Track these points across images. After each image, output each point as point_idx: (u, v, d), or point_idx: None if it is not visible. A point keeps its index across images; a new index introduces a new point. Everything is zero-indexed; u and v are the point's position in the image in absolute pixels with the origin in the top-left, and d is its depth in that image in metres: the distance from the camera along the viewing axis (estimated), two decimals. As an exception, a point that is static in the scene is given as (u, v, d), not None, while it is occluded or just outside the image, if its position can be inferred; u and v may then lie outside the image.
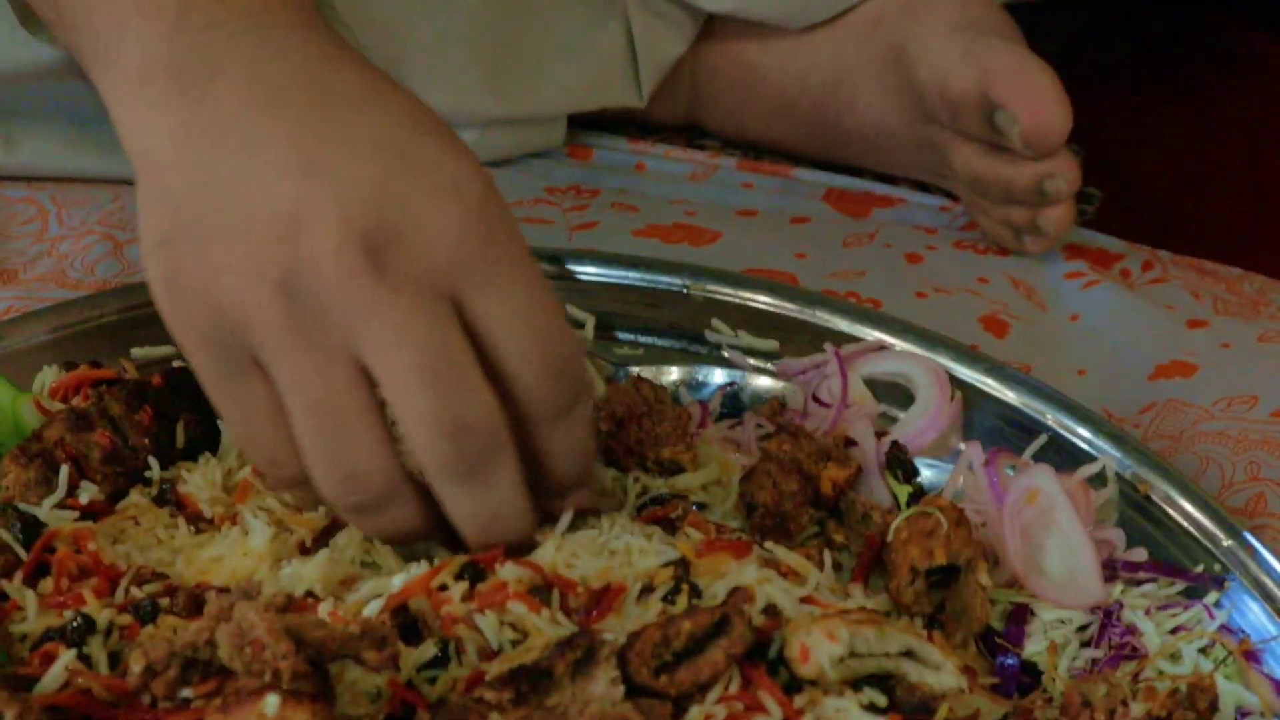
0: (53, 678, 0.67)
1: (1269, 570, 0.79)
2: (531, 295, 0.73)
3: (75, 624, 0.71)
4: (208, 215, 0.72)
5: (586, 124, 1.16)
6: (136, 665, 0.65)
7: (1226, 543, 0.81)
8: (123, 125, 0.78)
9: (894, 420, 0.88)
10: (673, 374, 0.91)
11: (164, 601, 0.73)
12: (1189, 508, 0.82)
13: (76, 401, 0.84)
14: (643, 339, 0.93)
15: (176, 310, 0.74)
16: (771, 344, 0.92)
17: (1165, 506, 0.83)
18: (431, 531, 0.77)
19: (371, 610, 0.72)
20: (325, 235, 0.69)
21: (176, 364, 0.87)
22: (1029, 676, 0.76)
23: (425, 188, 0.72)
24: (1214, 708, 0.70)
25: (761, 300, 0.93)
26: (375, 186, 0.71)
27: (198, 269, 0.72)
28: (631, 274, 0.93)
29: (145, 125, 0.76)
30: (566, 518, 0.79)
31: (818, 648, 0.69)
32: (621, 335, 0.92)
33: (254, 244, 0.70)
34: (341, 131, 0.74)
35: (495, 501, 0.75)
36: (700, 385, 0.91)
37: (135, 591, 0.74)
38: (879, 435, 0.86)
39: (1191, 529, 0.82)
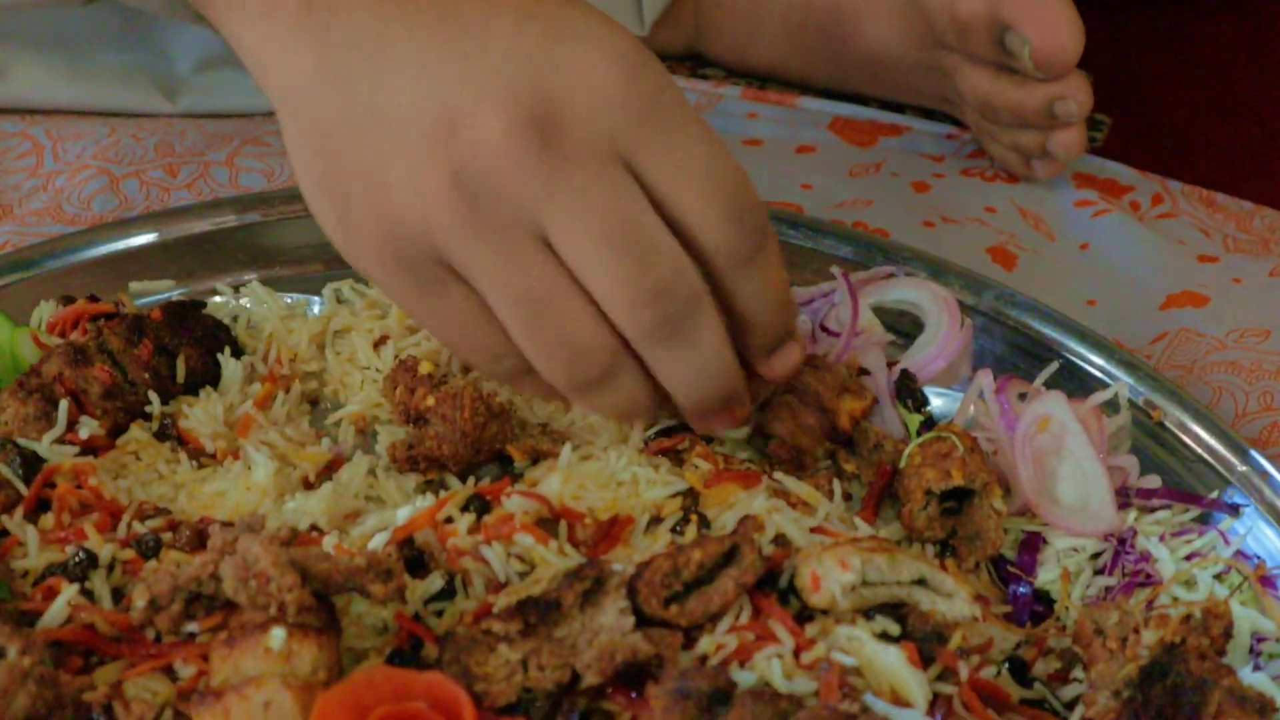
0: (55, 613, 0.68)
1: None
2: (704, 147, 0.74)
3: (77, 559, 0.72)
4: (363, 137, 0.74)
5: None
6: (140, 600, 0.67)
7: (1241, 469, 0.81)
8: (256, 66, 0.79)
9: (903, 349, 0.88)
10: None
11: (167, 536, 0.74)
12: (1203, 434, 0.82)
13: (75, 336, 0.84)
14: None
15: (354, 241, 0.75)
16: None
17: (1179, 433, 0.83)
18: (660, 401, 0.78)
19: (377, 543, 0.73)
20: (488, 121, 0.70)
21: (176, 297, 0.88)
22: (1042, 605, 0.76)
23: (581, 53, 0.73)
24: (1228, 634, 0.70)
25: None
26: (529, 59, 0.72)
27: (366, 193, 0.74)
28: None
29: (279, 60, 0.77)
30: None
31: (829, 576, 0.69)
32: None
33: (415, 150, 0.72)
34: (479, 17, 0.74)
35: (704, 358, 0.75)
36: None
37: (137, 526, 0.75)
38: (889, 364, 0.86)
39: (1206, 455, 0.82)
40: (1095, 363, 0.86)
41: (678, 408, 0.78)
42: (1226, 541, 0.78)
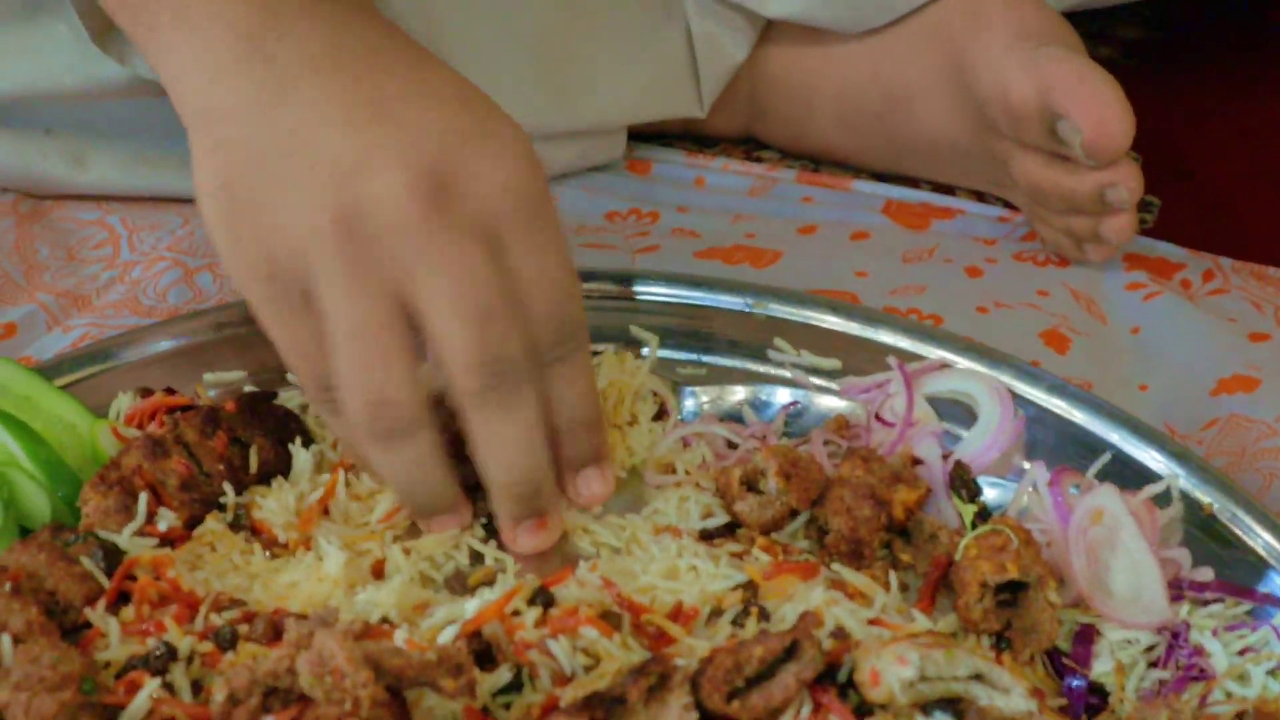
0: (138, 706, 0.69)
1: None
2: (558, 253, 0.78)
3: (158, 652, 0.72)
4: (270, 160, 0.77)
5: (645, 138, 1.17)
6: (219, 694, 0.67)
7: None
8: (180, 83, 0.83)
9: (957, 439, 0.88)
10: (738, 394, 0.92)
11: (243, 628, 0.74)
12: (1255, 526, 0.82)
13: (152, 428, 0.85)
14: (706, 359, 0.93)
15: (236, 251, 0.78)
16: (834, 363, 0.92)
17: (1231, 525, 0.83)
18: (447, 482, 0.81)
19: (447, 637, 0.73)
20: (389, 176, 0.74)
21: (248, 388, 0.89)
22: (1097, 697, 0.76)
23: (487, 145, 0.78)
24: None
25: (824, 319, 0.93)
26: (441, 136, 0.76)
27: (258, 208, 0.77)
28: (694, 294, 0.94)
29: (210, 83, 0.80)
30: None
31: (888, 671, 0.69)
32: (685, 355, 0.93)
33: (316, 183, 0.75)
34: (403, 88, 0.79)
35: (519, 431, 0.78)
36: (764, 405, 0.92)
37: (214, 618, 0.75)
38: (943, 455, 0.86)
39: (1258, 547, 0.81)
40: (1147, 454, 0.85)
41: (489, 493, 0.81)
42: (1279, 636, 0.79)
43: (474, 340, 0.75)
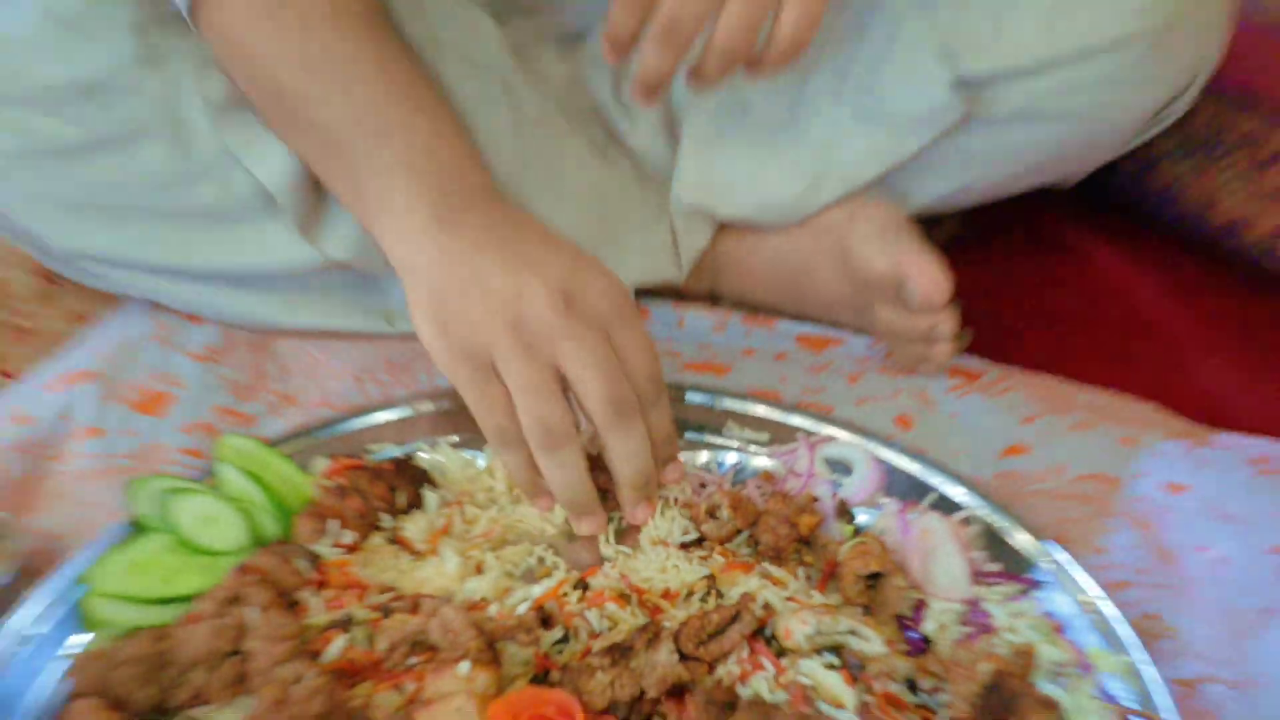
0: (333, 651, 0.73)
1: (1073, 574, 0.82)
2: (644, 335, 0.82)
3: (344, 618, 0.76)
4: (462, 293, 0.80)
5: (645, 294, 1.17)
6: (382, 644, 0.73)
7: (1044, 559, 0.83)
8: (396, 249, 0.85)
9: (840, 485, 0.90)
10: (704, 456, 0.94)
11: (395, 605, 0.77)
12: (1023, 536, 0.85)
13: (339, 480, 0.86)
14: (687, 435, 0.96)
15: (445, 350, 0.81)
16: (764, 436, 0.95)
17: (1007, 538, 0.85)
18: (589, 483, 0.83)
19: (521, 610, 0.77)
20: (537, 295, 0.78)
21: (395, 458, 0.91)
22: (926, 644, 0.78)
23: (588, 269, 0.82)
24: (1031, 664, 0.74)
25: (757, 410, 0.96)
26: (560, 267, 0.81)
27: (457, 322, 0.80)
28: (676, 394, 0.96)
29: (415, 248, 0.83)
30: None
31: (796, 628, 0.74)
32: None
33: (494, 305, 0.79)
34: (533, 245, 0.83)
35: (634, 443, 0.81)
36: (720, 464, 0.94)
37: (377, 598, 0.78)
38: (832, 495, 0.89)
39: (1026, 549, 0.84)
40: (958, 493, 0.88)
41: (618, 486, 0.84)
42: (1037, 604, 0.80)
43: (605, 388, 0.78)
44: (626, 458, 0.82)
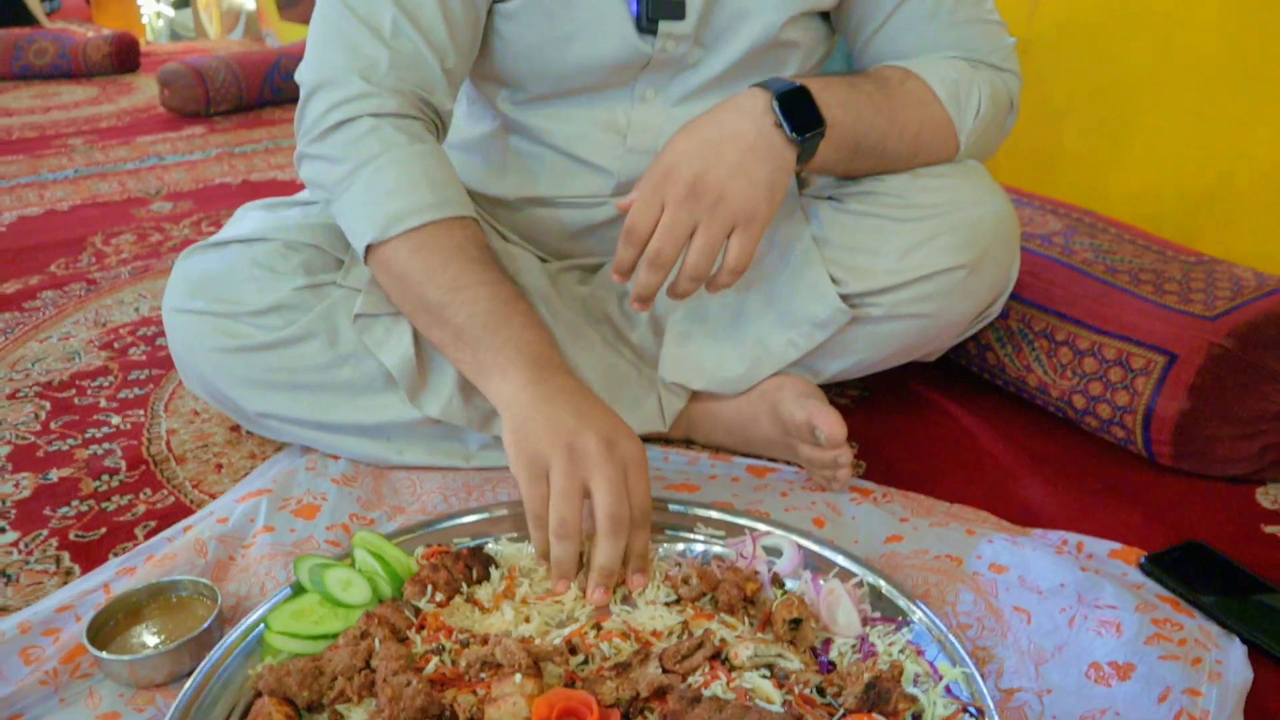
0: (429, 669, 0.77)
1: (930, 619, 0.84)
2: (646, 481, 0.86)
3: (436, 647, 0.80)
4: (541, 424, 0.86)
5: (642, 440, 1.11)
6: (463, 662, 0.76)
7: (910, 606, 0.86)
8: (502, 396, 0.92)
9: (774, 563, 0.92)
10: (679, 547, 0.97)
11: (471, 639, 0.81)
12: (897, 594, 0.88)
13: (433, 561, 0.90)
14: (669, 532, 0.98)
15: (519, 453, 0.86)
16: (721, 533, 0.98)
17: (889, 595, 0.88)
18: (575, 560, 0.86)
19: (556, 641, 0.80)
20: (590, 435, 0.84)
21: (470, 546, 0.94)
22: (831, 666, 0.82)
23: (626, 432, 0.87)
24: (901, 673, 0.78)
25: (715, 515, 1.00)
26: (610, 425, 0.86)
27: (533, 439, 0.85)
28: (663, 506, 0.99)
29: (514, 397, 0.90)
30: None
31: (741, 652, 0.78)
32: (663, 531, 0.97)
33: (559, 433, 0.84)
34: (596, 409, 0.88)
35: (615, 550, 0.84)
36: (691, 551, 0.96)
37: (459, 636, 0.81)
38: (769, 570, 0.91)
39: (901, 602, 0.87)
40: (854, 566, 0.91)
41: (592, 571, 0.86)
42: (907, 637, 0.83)
43: (613, 507, 0.83)
44: (608, 557, 0.86)
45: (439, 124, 1.09)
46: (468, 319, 0.97)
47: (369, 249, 1.01)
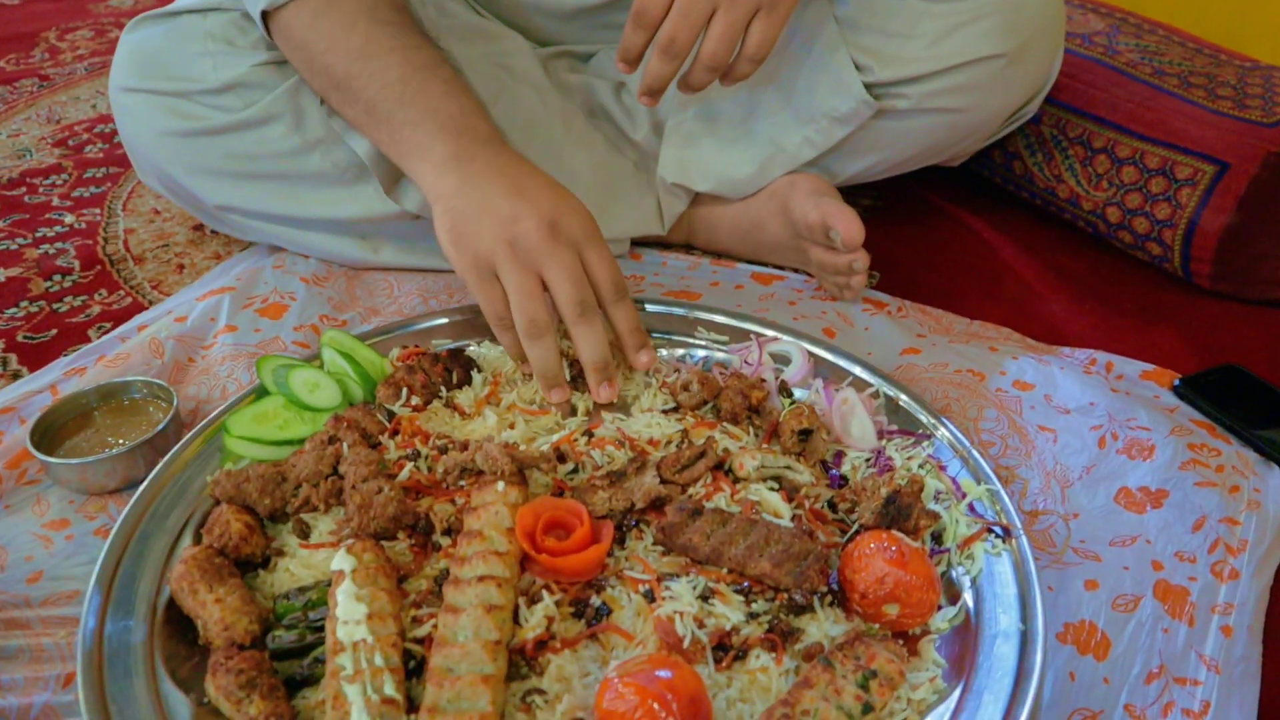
0: (403, 475, 0.72)
1: (951, 432, 0.80)
2: (606, 254, 0.80)
3: (411, 454, 0.75)
4: (475, 216, 0.79)
5: (640, 243, 1.15)
6: (440, 468, 0.71)
7: (930, 420, 0.81)
8: (425, 181, 0.85)
9: (782, 370, 0.88)
10: (679, 352, 0.91)
11: (450, 445, 0.76)
12: (917, 407, 0.83)
13: (409, 362, 0.85)
14: (669, 337, 0.93)
15: (459, 256, 0.80)
16: (724, 338, 0.92)
17: (904, 406, 0.83)
18: (560, 366, 0.82)
19: (544, 448, 0.75)
20: (530, 221, 0.77)
21: (449, 348, 0.89)
22: (844, 480, 0.77)
23: (571, 202, 0.80)
24: (921, 489, 0.73)
25: (720, 319, 0.94)
26: (551, 200, 0.79)
27: (470, 238, 0.78)
28: (663, 309, 0.94)
29: (439, 182, 0.83)
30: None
31: (747, 462, 0.73)
32: (659, 336, 0.92)
33: (497, 225, 0.77)
34: (533, 184, 0.81)
35: (594, 335, 0.79)
36: (693, 356, 0.91)
37: (436, 441, 0.77)
38: (776, 377, 0.87)
39: (920, 412, 0.82)
40: (869, 375, 0.86)
41: (585, 370, 0.82)
42: (926, 450, 0.78)
43: (573, 292, 0.77)
44: (588, 347, 0.81)
45: None
46: (380, 91, 0.87)
47: (266, 15, 0.90)
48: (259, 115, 0.98)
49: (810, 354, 0.90)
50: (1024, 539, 0.69)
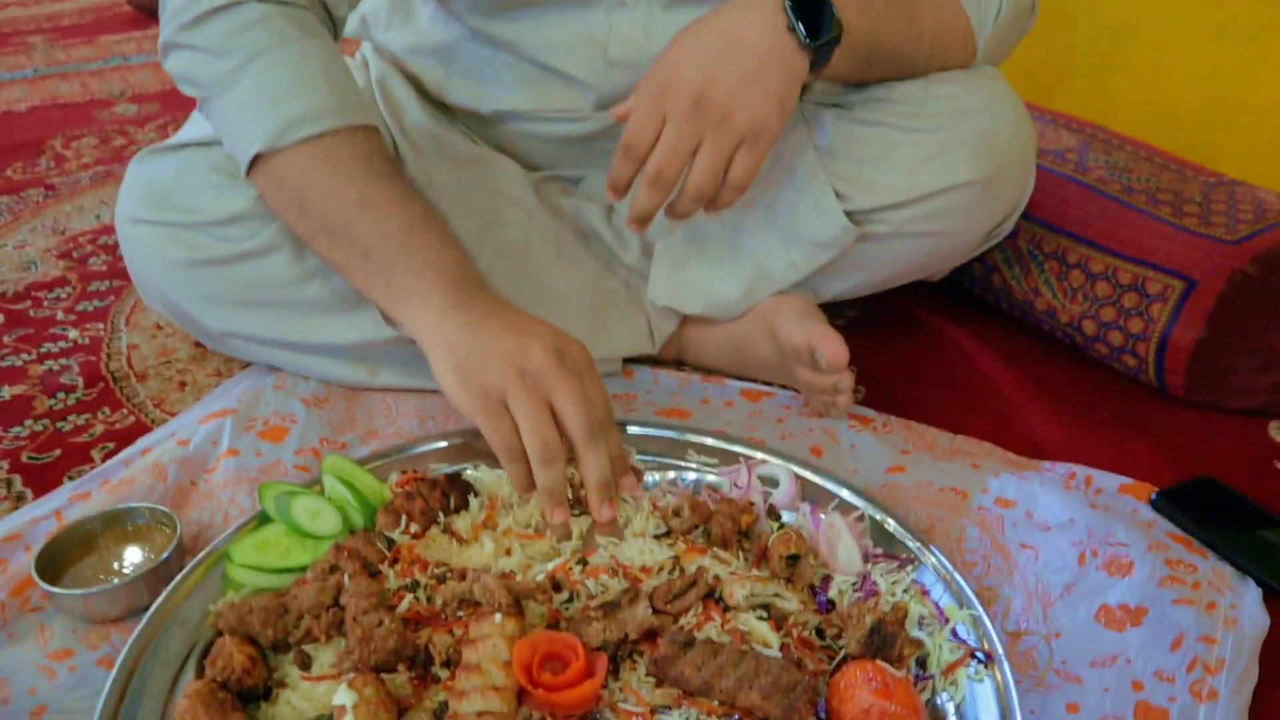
0: (403, 608, 0.73)
1: (935, 555, 0.82)
2: (601, 386, 0.83)
3: (410, 584, 0.76)
4: (479, 355, 0.81)
5: (632, 361, 1.17)
6: (439, 599, 0.73)
7: (914, 544, 0.83)
8: (422, 326, 0.87)
9: (770, 494, 0.89)
10: (670, 475, 0.93)
11: (448, 574, 0.77)
12: (901, 530, 0.85)
13: (408, 489, 0.87)
14: (658, 460, 0.95)
15: (466, 393, 0.82)
16: (714, 461, 0.94)
17: (890, 530, 0.85)
18: (565, 490, 0.83)
19: (539, 578, 0.77)
20: (537, 352, 0.79)
21: (447, 473, 0.90)
22: (831, 605, 0.79)
23: (569, 338, 0.83)
24: (905, 616, 0.75)
25: (709, 441, 0.96)
26: (552, 335, 0.81)
27: (478, 375, 0.81)
28: (655, 432, 0.97)
29: (439, 327, 0.85)
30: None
31: (737, 591, 0.74)
32: (646, 458, 0.93)
33: (504, 360, 0.80)
34: (530, 322, 0.84)
35: (600, 457, 0.81)
36: (683, 480, 0.93)
37: (435, 570, 0.78)
38: (764, 501, 0.88)
39: (904, 535, 0.84)
40: (855, 499, 0.88)
41: (588, 490, 0.83)
42: (910, 576, 0.80)
43: (584, 418, 0.80)
44: (594, 468, 0.82)
45: (331, 24, 1.01)
46: (380, 239, 0.90)
47: (256, 158, 0.92)
48: (261, 245, 1.01)
49: (797, 476, 0.91)
50: (1005, 665, 0.71)
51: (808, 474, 0.92)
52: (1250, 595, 0.85)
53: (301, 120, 0.90)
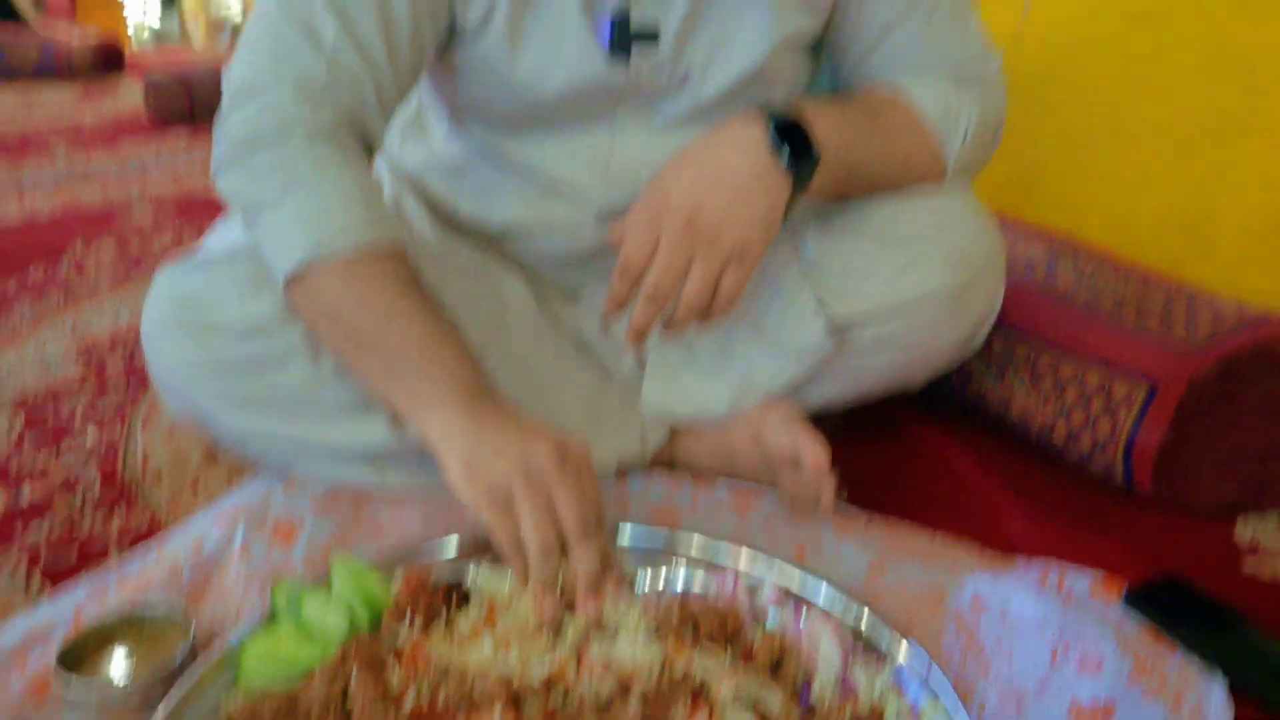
0: (408, 703, 0.76)
1: (915, 658, 0.84)
2: (596, 487, 0.85)
3: (415, 684, 0.78)
4: (488, 454, 0.84)
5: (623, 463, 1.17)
6: (441, 699, 0.76)
7: (892, 642, 0.85)
8: (436, 430, 0.89)
9: (756, 594, 0.91)
10: (663, 576, 0.95)
11: (450, 672, 0.79)
12: (881, 629, 0.87)
13: (413, 588, 0.89)
14: (646, 567, 0.96)
15: (473, 488, 0.84)
16: (701, 566, 0.96)
17: (871, 633, 0.87)
18: (558, 574, 0.84)
19: (537, 673, 0.79)
20: (541, 452, 0.82)
21: (451, 571, 0.92)
22: (812, 710, 0.80)
23: (572, 446, 0.85)
24: (881, 716, 0.77)
25: (696, 545, 0.98)
26: (552, 438, 0.84)
27: (485, 471, 0.83)
28: (645, 537, 0.99)
29: (452, 429, 0.88)
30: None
31: (724, 688, 0.77)
32: (636, 549, 0.96)
33: (510, 459, 0.82)
34: (536, 425, 0.86)
35: (592, 552, 0.83)
36: (673, 583, 0.95)
37: (437, 668, 0.80)
38: (750, 601, 0.90)
39: (883, 635, 0.86)
40: (838, 604, 0.90)
41: (579, 581, 0.85)
42: (889, 675, 0.83)
43: (580, 516, 0.82)
44: (588, 562, 0.85)
45: (369, 148, 1.07)
46: (402, 347, 0.94)
47: (295, 278, 0.97)
48: (280, 351, 1.05)
49: (781, 579, 0.94)
50: (980, 761, 0.73)
51: (792, 573, 0.94)
52: (1216, 692, 0.88)
53: (338, 233, 0.95)
